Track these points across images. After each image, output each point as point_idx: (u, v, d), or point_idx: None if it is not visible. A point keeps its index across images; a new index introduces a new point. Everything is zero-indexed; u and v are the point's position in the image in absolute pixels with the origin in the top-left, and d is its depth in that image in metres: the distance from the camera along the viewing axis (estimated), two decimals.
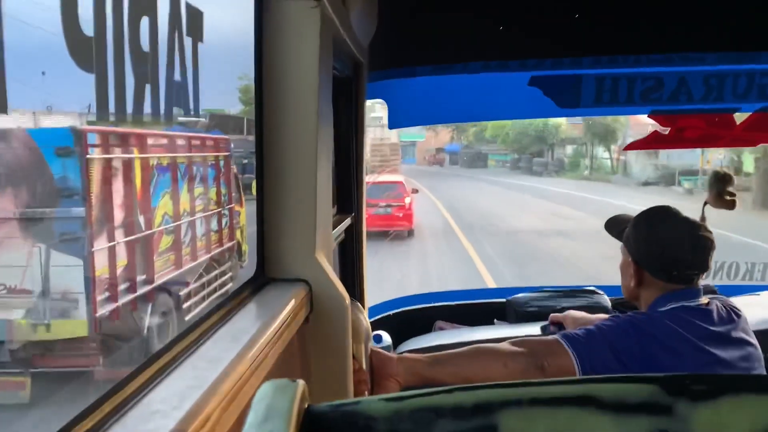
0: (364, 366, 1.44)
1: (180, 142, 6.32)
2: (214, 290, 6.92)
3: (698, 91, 2.37)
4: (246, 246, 8.16)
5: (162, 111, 1.04)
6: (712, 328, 1.52)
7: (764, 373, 1.60)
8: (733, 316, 1.59)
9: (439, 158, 50.82)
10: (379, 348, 2.28)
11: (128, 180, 5.21)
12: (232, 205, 7.69)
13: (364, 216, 2.30)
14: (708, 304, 1.59)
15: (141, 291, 5.42)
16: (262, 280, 1.30)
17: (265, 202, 1.31)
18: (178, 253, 6.11)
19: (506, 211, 20.72)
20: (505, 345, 1.53)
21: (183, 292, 6.21)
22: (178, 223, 6.09)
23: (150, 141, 5.73)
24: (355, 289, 2.20)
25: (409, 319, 2.66)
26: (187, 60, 1.04)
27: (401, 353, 2.24)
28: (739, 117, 2.50)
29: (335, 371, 1.32)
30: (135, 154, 5.40)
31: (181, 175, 6.14)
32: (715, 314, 1.56)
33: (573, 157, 41.71)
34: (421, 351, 2.25)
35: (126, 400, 0.74)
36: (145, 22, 0.87)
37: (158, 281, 5.70)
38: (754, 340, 1.59)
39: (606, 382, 0.68)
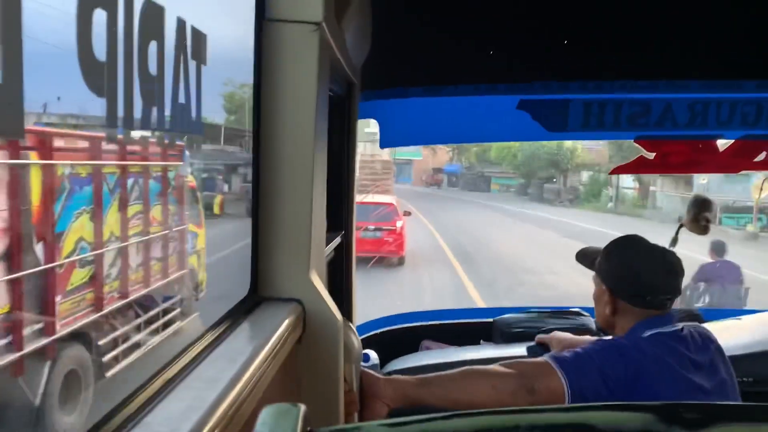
0: (354, 388, 1.45)
1: (109, 146, 4.65)
2: (156, 332, 5.26)
3: (683, 118, 2.43)
4: (204, 274, 6.59)
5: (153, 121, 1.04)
6: (690, 354, 1.56)
7: (738, 399, 1.64)
8: (707, 342, 1.63)
9: (436, 179, 47.44)
10: (367, 366, 2.29)
11: (18, 194, 3.65)
12: (185, 226, 6.07)
13: (354, 235, 2.31)
14: (682, 330, 1.63)
15: (31, 345, 3.81)
16: (255, 299, 1.30)
17: (260, 220, 1.31)
18: (98, 291, 4.52)
19: (523, 249, 16.89)
20: (494, 366, 1.53)
21: (104, 342, 4.65)
22: (100, 251, 4.53)
23: (59, 143, 4.07)
24: (344, 308, 2.20)
25: (396, 338, 2.66)
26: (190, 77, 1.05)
27: (388, 373, 2.25)
28: (722, 144, 2.56)
29: (327, 392, 1.32)
30: (33, 159, 3.84)
31: (109, 188, 4.60)
32: (690, 341, 1.60)
33: (590, 185, 36.65)
34: (408, 370, 2.25)
35: (127, 420, 0.74)
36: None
37: (63, 329, 4.14)
38: (726, 368, 1.62)
39: (601, 410, 0.70)
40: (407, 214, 15.63)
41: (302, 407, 0.65)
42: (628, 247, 1.70)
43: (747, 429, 0.67)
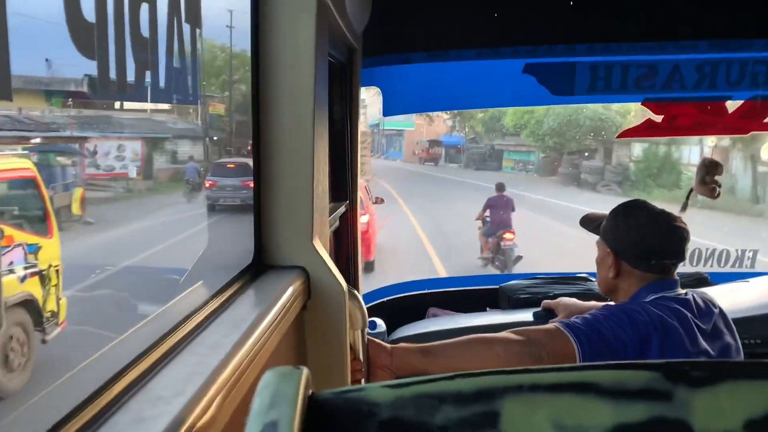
0: (360, 356, 1.45)
1: None
2: None
3: (691, 79, 2.39)
4: (59, 299, 4.47)
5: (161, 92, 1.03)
6: (693, 319, 1.56)
7: None
8: (711, 307, 1.63)
9: (433, 153, 36.22)
10: (374, 333, 2.30)
11: None
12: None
13: (358, 203, 2.31)
14: (686, 294, 1.62)
15: None
16: (259, 267, 1.30)
17: (262, 189, 1.31)
18: None
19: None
20: (502, 334, 1.51)
21: None
22: None
23: None
24: (350, 276, 2.21)
25: (403, 306, 2.68)
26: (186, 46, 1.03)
27: (395, 340, 2.26)
28: (731, 105, 2.51)
29: (333, 358, 1.33)
30: None
31: None
32: (693, 305, 1.60)
33: (648, 161, 23.47)
34: (415, 337, 2.26)
35: (130, 385, 0.74)
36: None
37: None
38: (730, 332, 1.62)
39: (606, 369, 0.69)
40: (379, 201, 11.40)
41: (305, 370, 0.65)
42: (635, 210, 1.69)
43: (753, 386, 0.67)
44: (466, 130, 34.88)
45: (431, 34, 2.35)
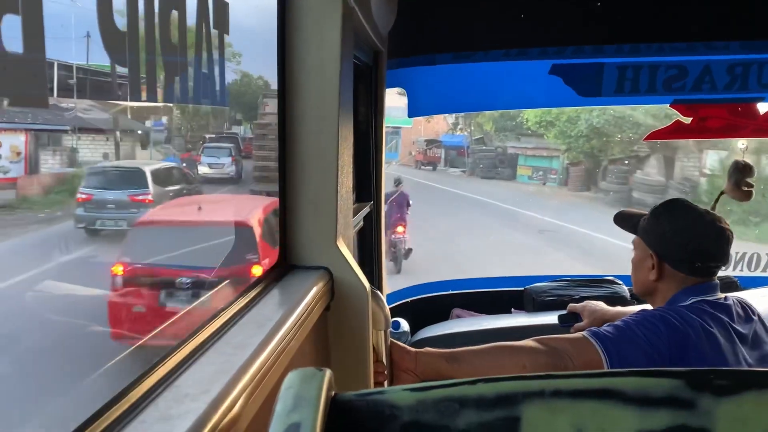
0: (383, 358, 1.45)
1: None
2: None
3: (722, 80, 2.35)
4: None
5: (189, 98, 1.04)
6: (733, 325, 1.50)
7: None
8: (750, 314, 1.57)
9: (431, 156, 29.17)
10: (397, 334, 2.31)
11: None
12: None
13: (383, 204, 2.31)
14: (726, 299, 1.57)
15: None
16: (284, 267, 1.32)
17: (287, 190, 1.32)
18: None
19: None
20: (527, 342, 1.48)
21: None
22: None
23: None
24: (374, 277, 2.22)
25: (426, 306, 2.68)
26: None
27: (418, 341, 2.27)
28: (762, 107, 2.47)
29: (356, 359, 1.34)
30: None
31: None
32: (733, 311, 1.54)
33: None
34: (438, 338, 2.26)
35: (158, 382, 0.76)
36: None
37: None
38: None
39: (629, 376, 0.69)
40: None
41: (328, 371, 0.66)
42: (679, 210, 1.62)
43: None
44: (472, 128, 28.04)
45: (457, 36, 2.35)
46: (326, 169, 1.31)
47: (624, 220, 1.76)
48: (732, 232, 1.59)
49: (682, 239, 1.57)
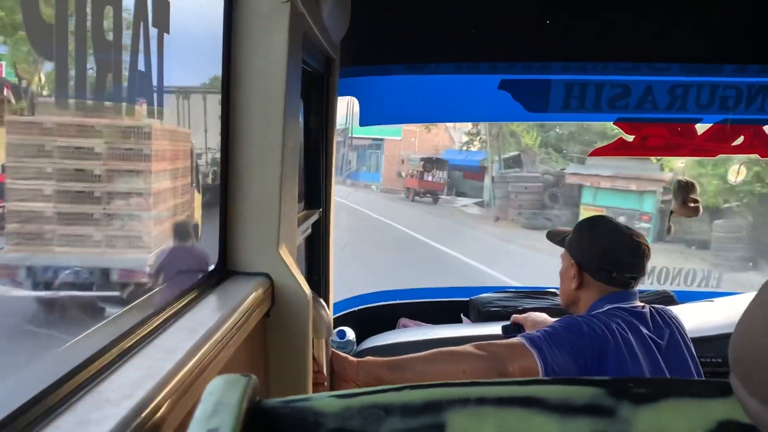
0: (324, 368, 1.45)
1: None
2: None
3: (663, 101, 2.44)
4: None
5: (124, 99, 1.02)
6: (646, 332, 1.59)
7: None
8: (668, 322, 1.66)
9: (431, 183, 19.76)
10: (343, 343, 2.30)
11: None
12: None
13: (332, 211, 2.31)
14: (643, 307, 1.66)
15: None
16: (222, 273, 1.30)
17: (229, 195, 1.30)
18: None
19: None
20: (466, 348, 1.53)
21: None
22: None
23: None
24: (321, 285, 2.21)
25: (373, 316, 2.68)
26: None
27: (363, 351, 2.26)
28: (700, 128, 2.57)
29: (295, 367, 1.33)
30: None
31: None
32: (649, 318, 1.63)
33: None
34: (385, 347, 2.27)
35: (78, 387, 0.73)
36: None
37: None
38: (687, 349, 1.64)
39: (552, 384, 0.70)
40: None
41: (253, 378, 0.65)
42: (599, 224, 1.74)
43: (695, 404, 0.68)
44: (499, 143, 17.18)
45: (409, 47, 2.38)
46: (269, 174, 1.29)
47: (554, 236, 1.90)
48: (649, 248, 1.70)
49: (599, 249, 1.68)
